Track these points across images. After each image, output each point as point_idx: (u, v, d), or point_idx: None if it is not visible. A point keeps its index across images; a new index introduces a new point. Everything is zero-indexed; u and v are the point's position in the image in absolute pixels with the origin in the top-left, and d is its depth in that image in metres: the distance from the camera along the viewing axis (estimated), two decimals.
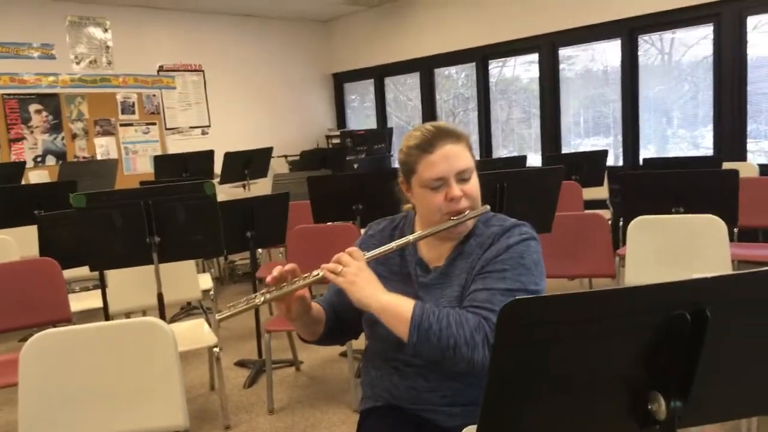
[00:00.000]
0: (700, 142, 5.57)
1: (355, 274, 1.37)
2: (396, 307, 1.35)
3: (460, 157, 1.44)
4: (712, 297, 0.90)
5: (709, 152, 5.42)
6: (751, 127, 5.19)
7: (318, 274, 1.41)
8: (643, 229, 2.87)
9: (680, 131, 5.74)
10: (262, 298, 1.40)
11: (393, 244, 1.44)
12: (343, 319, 1.58)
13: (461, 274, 1.47)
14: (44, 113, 6.42)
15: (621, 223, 3.87)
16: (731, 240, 2.75)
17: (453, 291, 1.46)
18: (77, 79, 6.61)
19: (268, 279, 1.40)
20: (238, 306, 1.42)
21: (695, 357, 0.91)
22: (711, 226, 2.72)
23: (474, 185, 1.47)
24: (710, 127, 5.40)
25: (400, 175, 1.54)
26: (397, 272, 1.54)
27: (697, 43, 5.44)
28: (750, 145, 5.21)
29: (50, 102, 6.45)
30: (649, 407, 0.94)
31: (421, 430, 1.47)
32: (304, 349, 3.90)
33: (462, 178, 1.44)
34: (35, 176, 6.18)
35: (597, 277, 3.46)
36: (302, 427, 2.93)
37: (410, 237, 1.45)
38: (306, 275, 1.41)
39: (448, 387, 1.44)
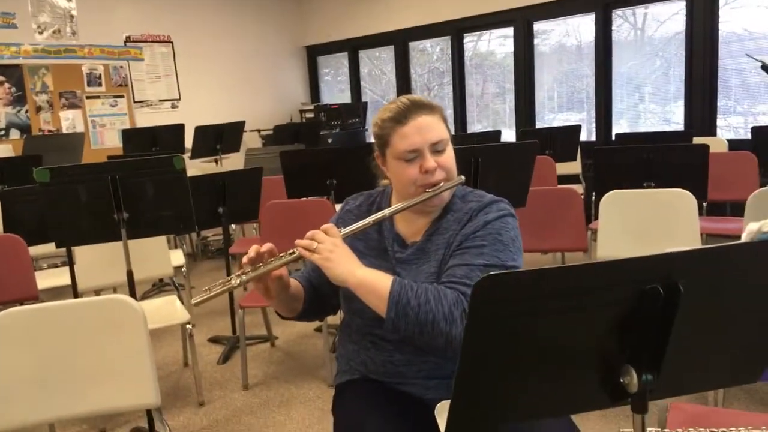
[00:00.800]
0: (671, 118, 5.63)
1: (331, 251, 1.36)
2: (373, 283, 1.34)
3: (434, 128, 1.43)
4: (685, 271, 0.90)
5: (680, 128, 5.48)
6: (720, 102, 5.25)
7: (294, 253, 1.39)
8: (615, 204, 2.90)
9: (651, 106, 5.79)
10: (238, 280, 1.38)
11: (369, 219, 1.43)
12: (322, 294, 1.57)
13: (438, 249, 1.46)
14: (6, 85, 6.20)
15: (594, 197, 3.91)
16: (700, 214, 2.80)
17: (430, 267, 1.45)
18: (40, 49, 6.38)
19: (244, 260, 1.39)
20: (214, 289, 1.39)
21: (667, 330, 0.92)
22: (681, 201, 2.76)
23: (449, 157, 1.45)
24: (681, 102, 5.46)
25: (376, 149, 1.52)
26: (374, 247, 1.53)
27: (669, 18, 5.47)
28: (719, 121, 5.29)
29: (13, 73, 6.22)
30: (621, 380, 0.95)
31: (396, 402, 1.47)
32: (279, 324, 3.89)
33: (436, 149, 1.43)
34: None
35: (570, 251, 3.51)
36: (277, 403, 2.93)
37: (386, 211, 1.44)
38: (282, 254, 1.40)
39: (424, 361, 1.44)
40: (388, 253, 1.51)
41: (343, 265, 1.35)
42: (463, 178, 1.47)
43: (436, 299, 1.31)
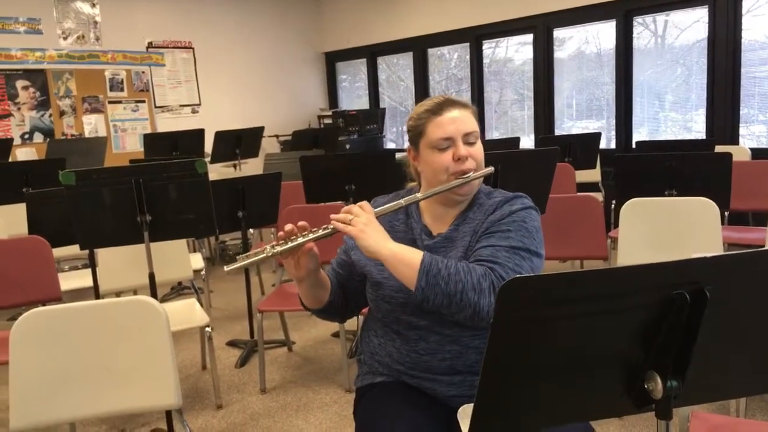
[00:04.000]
0: (692, 126, 5.58)
1: (365, 224, 1.41)
2: (405, 254, 1.39)
3: (466, 121, 1.52)
4: (712, 277, 0.89)
5: (701, 136, 5.43)
6: (743, 111, 5.19)
7: (328, 228, 1.43)
8: (636, 212, 2.88)
9: (672, 114, 5.74)
10: (273, 251, 1.42)
11: (402, 201, 1.50)
12: (347, 291, 1.63)
13: (465, 237, 1.51)
14: (31, 89, 6.31)
15: (613, 205, 3.88)
16: (722, 223, 2.77)
17: (457, 252, 1.50)
18: (65, 54, 6.49)
19: (280, 233, 1.44)
20: (248, 257, 1.44)
21: (693, 337, 0.91)
22: (703, 209, 2.73)
23: (479, 149, 1.53)
24: (702, 110, 5.40)
25: (408, 145, 1.60)
26: (401, 239, 1.57)
27: (690, 26, 5.43)
28: (742, 130, 5.22)
29: (37, 78, 6.34)
30: (646, 386, 0.94)
31: (420, 404, 1.48)
32: (297, 329, 3.91)
33: (468, 141, 1.51)
34: (22, 153, 6.10)
35: (589, 258, 3.48)
36: (294, 407, 2.94)
37: (418, 195, 1.51)
38: (315, 229, 1.44)
39: (448, 350, 1.47)
40: (417, 243, 1.55)
41: (377, 237, 1.40)
42: (492, 169, 1.54)
43: (465, 271, 1.35)
